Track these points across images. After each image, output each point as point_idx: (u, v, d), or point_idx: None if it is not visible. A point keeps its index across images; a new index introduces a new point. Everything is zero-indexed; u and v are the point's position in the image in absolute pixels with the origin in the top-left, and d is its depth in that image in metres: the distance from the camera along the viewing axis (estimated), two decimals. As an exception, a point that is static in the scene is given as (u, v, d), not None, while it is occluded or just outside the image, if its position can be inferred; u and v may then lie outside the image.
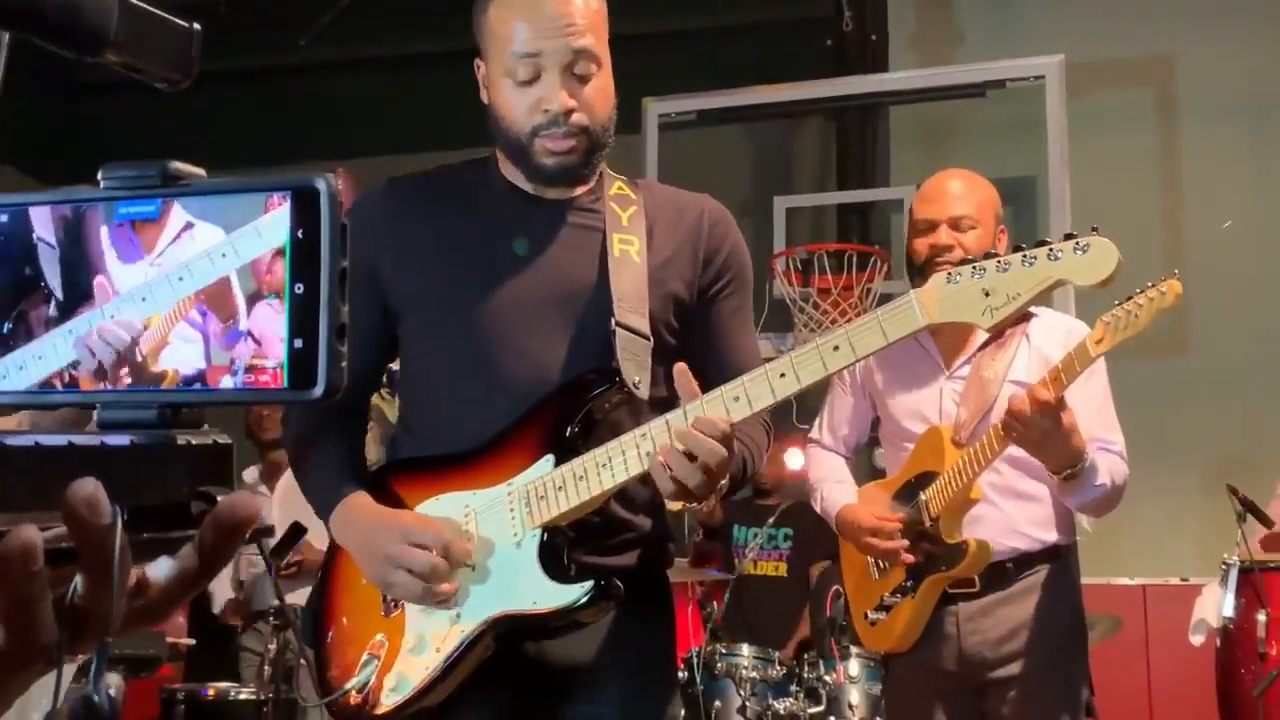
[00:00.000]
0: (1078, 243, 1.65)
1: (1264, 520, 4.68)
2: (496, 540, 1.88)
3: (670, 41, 7.91)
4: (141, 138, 8.85)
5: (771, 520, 5.78)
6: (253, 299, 0.66)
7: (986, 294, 1.65)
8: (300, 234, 0.65)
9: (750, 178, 7.81)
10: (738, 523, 6.18)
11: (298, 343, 0.64)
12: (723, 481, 1.83)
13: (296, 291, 0.64)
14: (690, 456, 1.73)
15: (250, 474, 5.82)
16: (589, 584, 1.84)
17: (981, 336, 2.96)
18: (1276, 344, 6.11)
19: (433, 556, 1.85)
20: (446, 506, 1.93)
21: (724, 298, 2.06)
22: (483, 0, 1.98)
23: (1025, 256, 1.65)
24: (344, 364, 0.65)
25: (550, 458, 1.87)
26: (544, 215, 2.01)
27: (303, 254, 0.65)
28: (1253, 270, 6.55)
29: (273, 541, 5.32)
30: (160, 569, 0.66)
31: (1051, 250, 1.64)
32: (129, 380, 0.67)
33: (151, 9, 0.80)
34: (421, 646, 1.91)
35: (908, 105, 6.90)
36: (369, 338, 2.04)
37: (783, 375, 1.74)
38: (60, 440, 0.63)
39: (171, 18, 0.81)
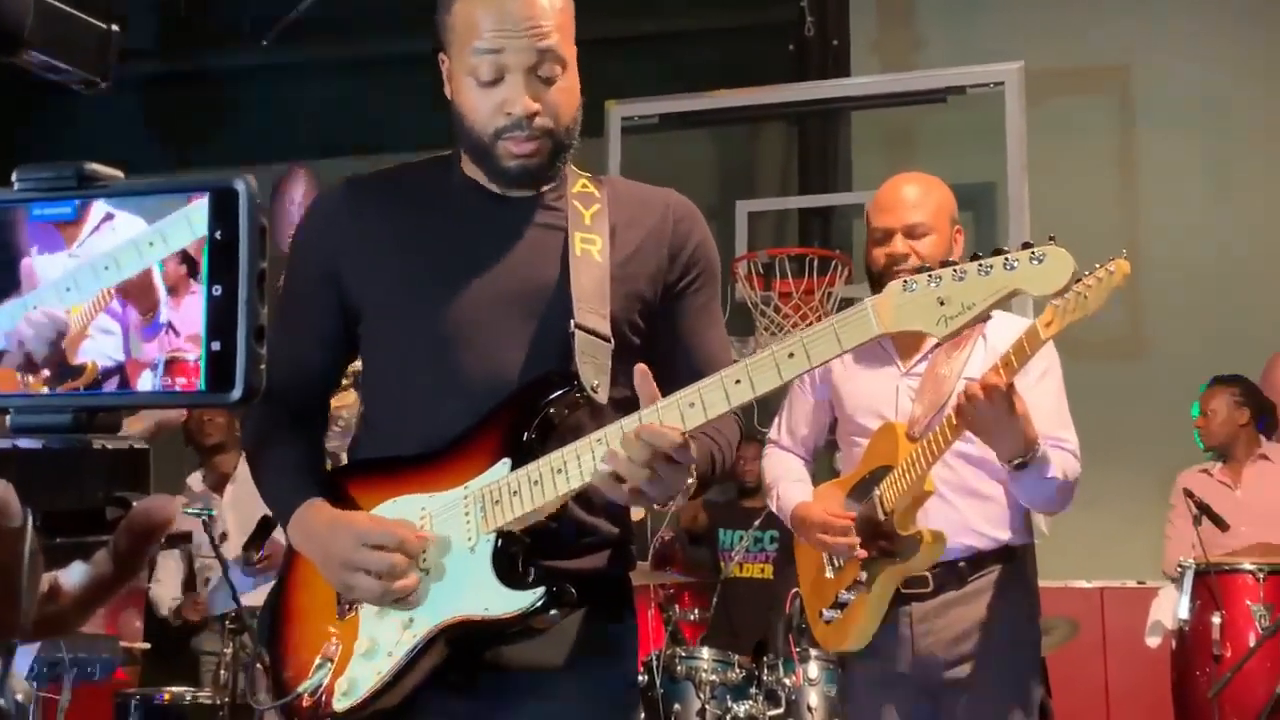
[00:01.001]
0: (1034, 253, 1.64)
1: (1219, 524, 4.74)
2: (451, 544, 1.86)
3: (633, 45, 7.91)
4: (101, 140, 8.78)
5: (757, 523, 5.77)
6: (175, 293, 0.65)
7: (942, 303, 1.64)
8: (218, 235, 0.64)
9: (712, 181, 7.83)
10: (723, 526, 6.19)
11: (215, 344, 0.64)
12: (689, 480, 1.82)
13: (214, 293, 0.64)
14: (640, 463, 1.71)
15: (195, 480, 5.77)
16: (540, 590, 1.82)
17: (938, 335, 2.98)
18: (1232, 347, 6.17)
19: (390, 555, 1.83)
20: (403, 509, 1.91)
21: (692, 292, 2.04)
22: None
23: (981, 266, 1.64)
24: (263, 366, 0.65)
25: (507, 461, 1.85)
26: (506, 214, 1.99)
27: (221, 255, 0.64)
28: (1208, 274, 6.63)
29: (230, 545, 5.30)
30: (73, 575, 0.65)
31: (1008, 260, 1.64)
32: (47, 376, 0.66)
33: (68, 9, 0.79)
34: (374, 651, 1.89)
35: (869, 110, 6.94)
36: (328, 339, 2.02)
37: (738, 382, 1.73)
38: None
39: (88, 18, 0.80)
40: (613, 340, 1.91)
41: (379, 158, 8.20)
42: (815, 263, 6.29)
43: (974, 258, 1.68)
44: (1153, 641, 4.87)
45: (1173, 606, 4.60)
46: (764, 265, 6.43)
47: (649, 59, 7.77)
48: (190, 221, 0.65)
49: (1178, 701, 4.64)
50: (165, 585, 5.66)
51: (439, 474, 1.90)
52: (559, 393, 1.87)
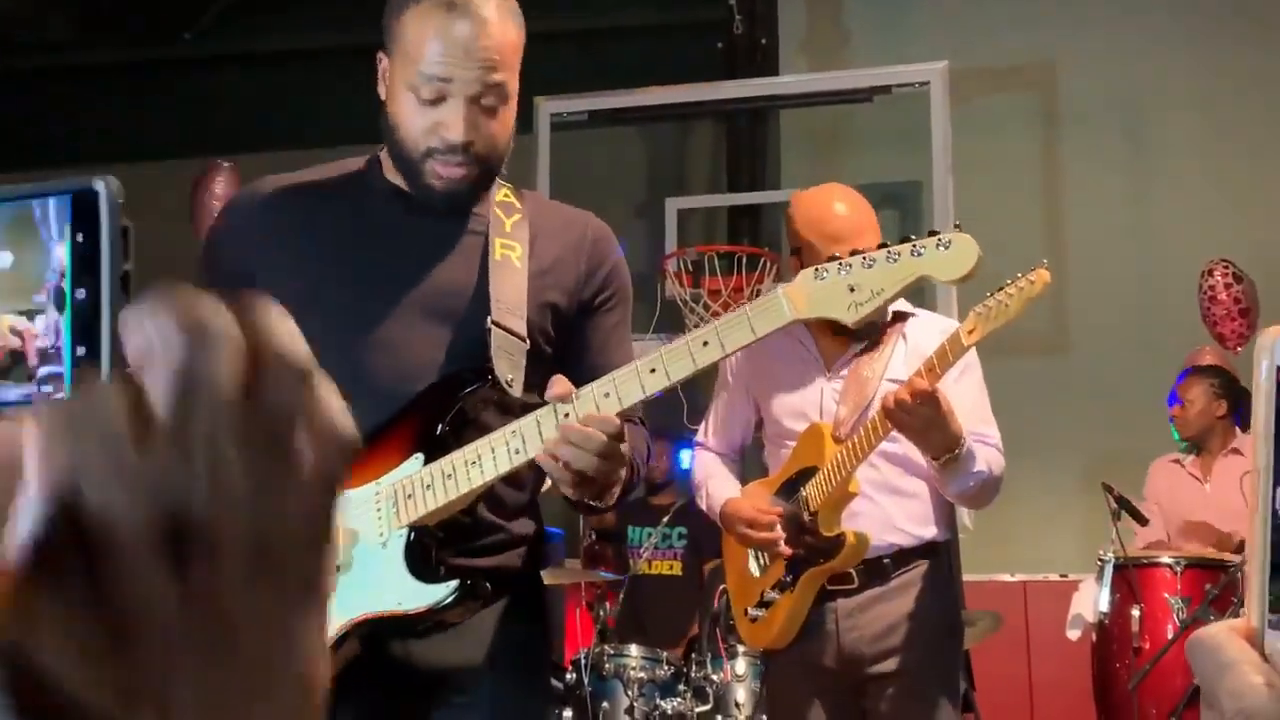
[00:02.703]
0: (940, 239, 1.68)
1: (1138, 518, 4.82)
2: (362, 540, 1.85)
3: (562, 41, 7.90)
4: (14, 132, 8.61)
5: (665, 520, 5.81)
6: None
7: (852, 289, 1.68)
8: (79, 238, 0.63)
9: (642, 178, 7.84)
10: (631, 524, 6.19)
11: (80, 350, 0.62)
12: (621, 472, 1.84)
13: (78, 297, 0.62)
14: (590, 450, 1.73)
15: None
16: (454, 583, 1.82)
17: (864, 340, 3.01)
18: (1152, 345, 6.29)
19: None
20: None
21: (605, 311, 2.06)
22: (399, 2, 1.92)
23: (890, 253, 1.68)
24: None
25: (420, 456, 1.85)
26: (427, 218, 1.99)
27: (83, 259, 0.63)
28: (1130, 273, 6.75)
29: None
30: None
31: (915, 246, 1.68)
32: None
33: None
34: None
35: (797, 109, 6.98)
36: None
37: (653, 371, 1.75)
38: None
39: None
40: (527, 341, 1.92)
41: (302, 153, 8.10)
42: (744, 260, 6.32)
43: (881, 246, 1.71)
44: (1073, 634, 4.94)
45: (1093, 600, 4.67)
46: (693, 262, 6.45)
47: (578, 55, 7.76)
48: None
49: (1099, 693, 4.71)
50: None
51: (349, 471, 1.87)
52: (474, 386, 1.87)
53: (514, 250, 1.96)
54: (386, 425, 1.88)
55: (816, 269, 1.72)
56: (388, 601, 1.83)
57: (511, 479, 1.94)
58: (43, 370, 0.63)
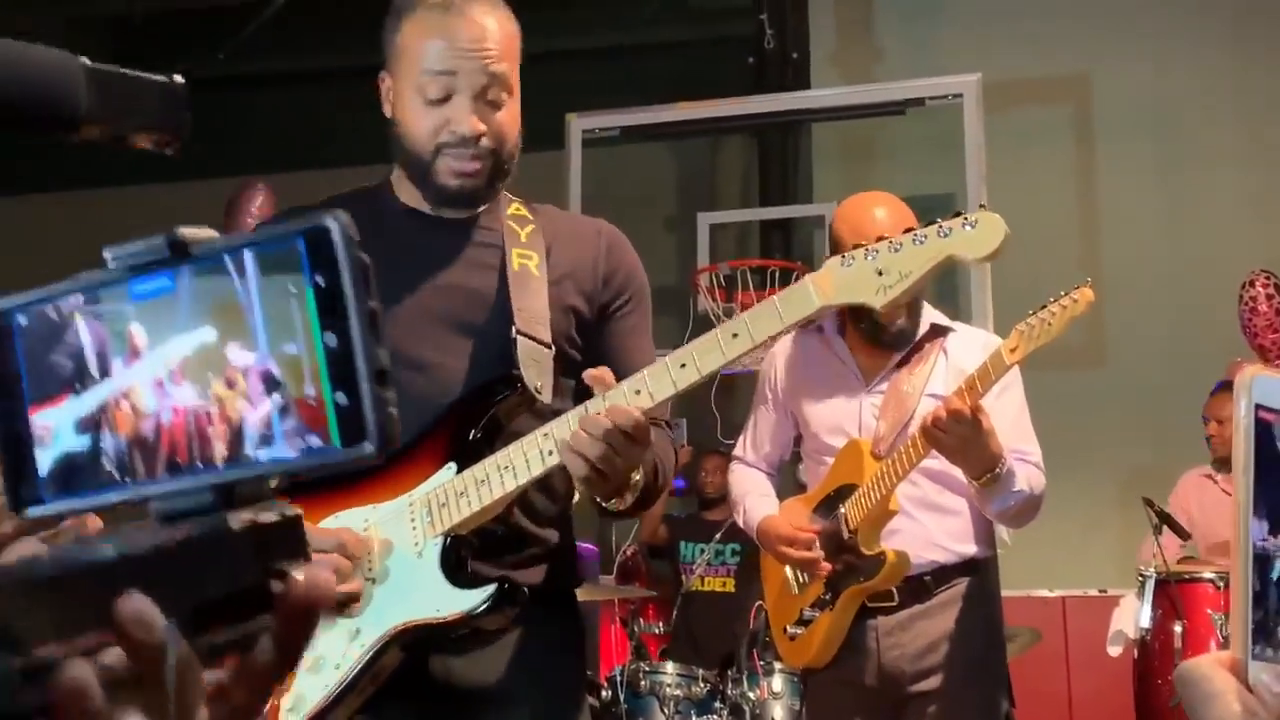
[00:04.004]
0: (966, 218, 1.67)
1: (1179, 532, 4.77)
2: (397, 551, 1.85)
3: (594, 58, 7.92)
4: (51, 154, 8.69)
5: (718, 536, 5.75)
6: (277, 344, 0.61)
7: (880, 273, 1.67)
8: (320, 280, 0.60)
9: (674, 194, 7.84)
10: (684, 539, 6.16)
11: (340, 397, 0.59)
12: (636, 476, 1.84)
13: (329, 344, 0.59)
14: (602, 439, 1.72)
15: None
16: (491, 588, 1.82)
17: (900, 352, 2.99)
18: (1188, 357, 6.23)
19: (329, 556, 1.80)
20: (344, 523, 1.89)
21: (623, 315, 2.06)
22: (395, 15, 1.96)
23: (915, 236, 1.67)
24: (393, 410, 0.61)
25: (452, 465, 1.85)
26: (442, 234, 2.01)
27: (327, 301, 0.60)
28: (1167, 284, 6.69)
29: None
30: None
31: (941, 228, 1.67)
32: (179, 462, 0.61)
33: (125, 71, 0.74)
34: (320, 665, 1.86)
35: (829, 122, 6.96)
36: None
37: (683, 366, 1.74)
38: (107, 553, 0.57)
39: (150, 75, 0.75)
40: (553, 347, 1.93)
41: (337, 171, 8.16)
42: (777, 274, 6.30)
43: (907, 230, 1.70)
44: (1114, 651, 4.89)
45: (1134, 615, 4.62)
46: (725, 277, 6.44)
47: (609, 71, 7.78)
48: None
49: (1140, 710, 4.66)
50: None
51: (382, 486, 1.89)
52: (503, 395, 1.88)
53: (531, 259, 1.98)
54: (418, 439, 1.88)
55: (843, 256, 1.71)
56: (425, 609, 1.82)
57: (545, 488, 1.95)
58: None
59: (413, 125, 1.94)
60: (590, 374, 1.79)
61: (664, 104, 6.64)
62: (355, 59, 7.98)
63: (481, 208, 2.02)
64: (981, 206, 1.72)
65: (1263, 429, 0.67)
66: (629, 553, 6.21)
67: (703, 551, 5.90)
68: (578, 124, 6.53)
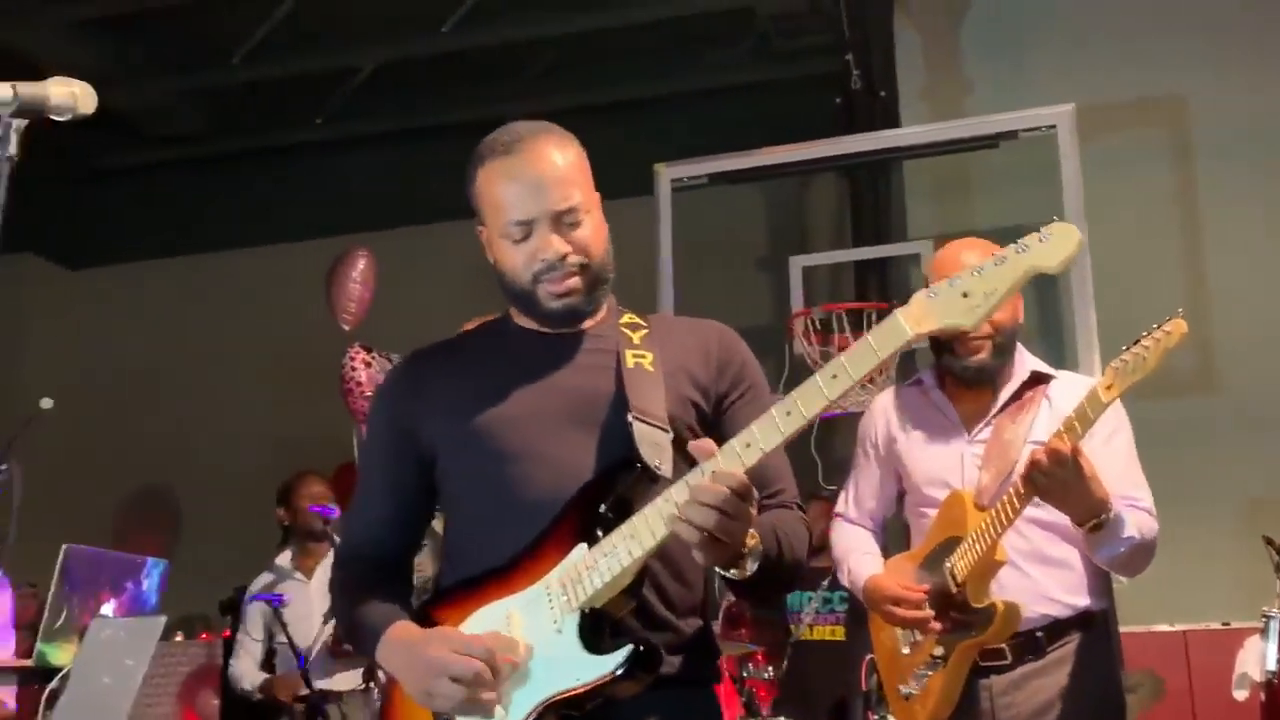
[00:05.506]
0: (1040, 233, 1.74)
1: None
2: (538, 633, 1.91)
3: (680, 104, 7.96)
4: (161, 221, 8.94)
5: (825, 583, 5.68)
6: None
7: (966, 295, 1.73)
8: None
9: (765, 238, 7.83)
10: (791, 588, 6.09)
11: None
12: (751, 541, 1.86)
13: None
14: (711, 505, 1.77)
15: (284, 559, 5.81)
16: (628, 648, 1.85)
17: (1001, 399, 2.95)
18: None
19: (475, 663, 1.86)
20: (488, 617, 1.95)
21: (742, 405, 2.10)
22: (471, 170, 2.08)
23: (996, 258, 1.74)
24: None
25: (582, 545, 1.91)
26: (560, 346, 2.10)
27: None
28: (1277, 307, 6.50)
29: (313, 624, 5.36)
30: None
31: (1018, 246, 1.74)
32: None
33: None
34: None
35: (920, 159, 6.91)
36: (407, 497, 2.13)
37: (788, 413, 1.79)
38: None
39: None
40: (670, 431, 1.98)
41: (431, 227, 8.31)
42: (873, 315, 6.25)
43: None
44: (1240, 695, 4.74)
45: (1260, 657, 4.47)
46: (820, 320, 6.40)
47: (696, 117, 7.81)
48: None
49: (1271, 752, 4.49)
50: (245, 662, 5.68)
51: (520, 577, 1.95)
52: (624, 476, 1.93)
53: (645, 357, 2.07)
54: (548, 529, 1.95)
55: (929, 289, 1.76)
56: (566, 681, 1.87)
57: (679, 577, 2.00)
58: None
59: (508, 265, 2.06)
60: (694, 445, 1.84)
61: (752, 148, 6.65)
62: (450, 116, 8.14)
63: (592, 320, 2.12)
64: (1054, 219, 1.78)
65: None
66: (732, 601, 6.15)
67: (810, 600, 5.83)
68: (666, 173, 6.56)
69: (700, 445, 1.83)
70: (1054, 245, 1.72)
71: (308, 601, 5.55)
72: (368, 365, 6.69)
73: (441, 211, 7.72)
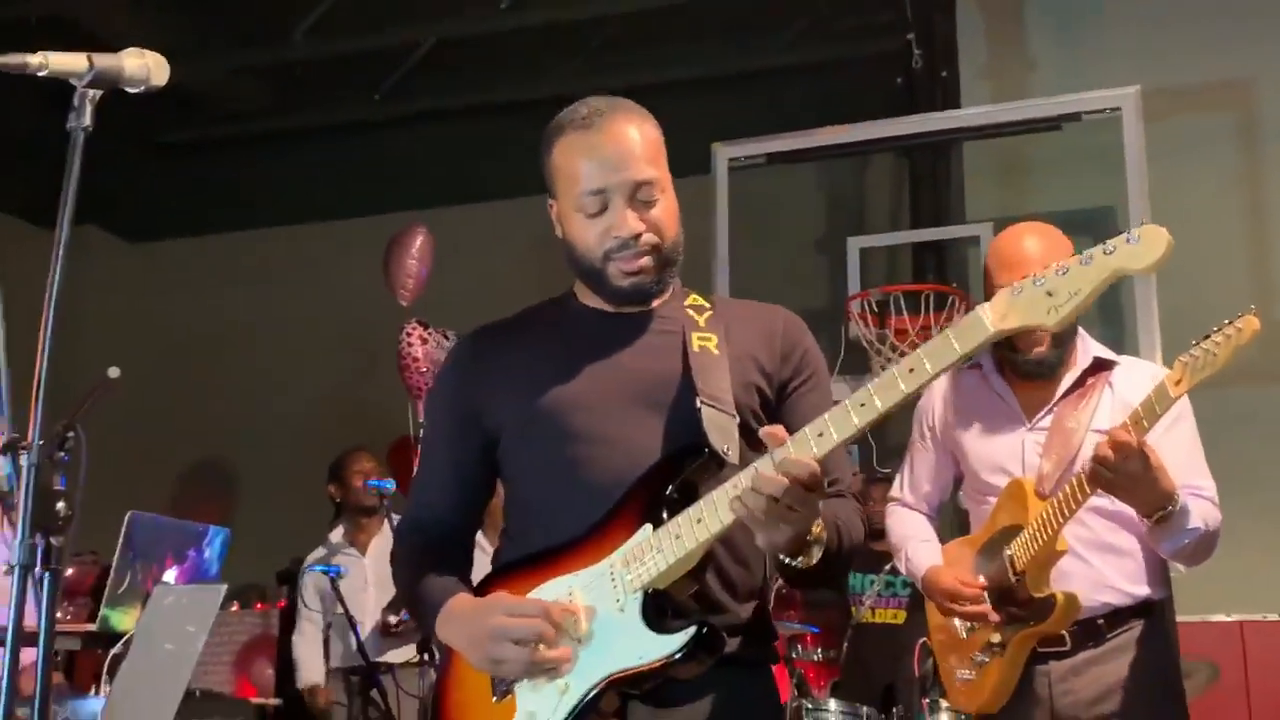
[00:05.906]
0: (1129, 235, 1.70)
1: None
2: (601, 613, 1.91)
3: (739, 83, 7.91)
4: (221, 196, 9.02)
5: (888, 566, 5.65)
6: None
7: (1050, 294, 1.71)
8: None
9: (822, 219, 7.78)
10: (853, 570, 6.07)
11: None
12: (816, 529, 1.87)
13: None
14: (776, 495, 1.76)
15: (336, 534, 5.88)
16: (692, 629, 1.85)
17: (1063, 387, 2.91)
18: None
19: (535, 622, 1.88)
20: (549, 593, 1.96)
21: (805, 393, 2.10)
22: (546, 143, 2.08)
23: (1083, 258, 1.71)
24: None
25: (648, 526, 1.91)
26: (624, 326, 2.10)
27: None
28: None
29: (369, 597, 5.42)
30: None
31: (1105, 247, 1.71)
32: None
33: None
34: None
35: (981, 140, 6.83)
36: (470, 475, 2.14)
37: (863, 405, 1.78)
38: None
39: None
40: (737, 416, 1.98)
41: (488, 205, 8.33)
42: (930, 298, 6.20)
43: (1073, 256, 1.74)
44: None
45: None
46: (878, 303, 6.36)
47: (755, 96, 7.76)
48: None
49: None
50: (308, 646, 5.76)
51: (583, 555, 1.96)
52: (692, 460, 1.94)
53: (710, 340, 2.06)
54: (614, 509, 1.96)
55: (1013, 286, 1.74)
56: (629, 659, 1.87)
57: (741, 561, 2.00)
58: None
59: (580, 240, 2.05)
60: (764, 431, 1.84)
61: (810, 128, 6.60)
62: (506, 93, 8.15)
63: (659, 300, 2.11)
64: (1143, 222, 1.74)
65: None
66: (783, 582, 6.13)
67: (873, 583, 5.80)
68: (724, 152, 6.53)
69: (772, 432, 1.82)
70: (1143, 247, 1.68)
71: (362, 574, 5.62)
72: (424, 341, 6.73)
73: (498, 189, 7.76)
